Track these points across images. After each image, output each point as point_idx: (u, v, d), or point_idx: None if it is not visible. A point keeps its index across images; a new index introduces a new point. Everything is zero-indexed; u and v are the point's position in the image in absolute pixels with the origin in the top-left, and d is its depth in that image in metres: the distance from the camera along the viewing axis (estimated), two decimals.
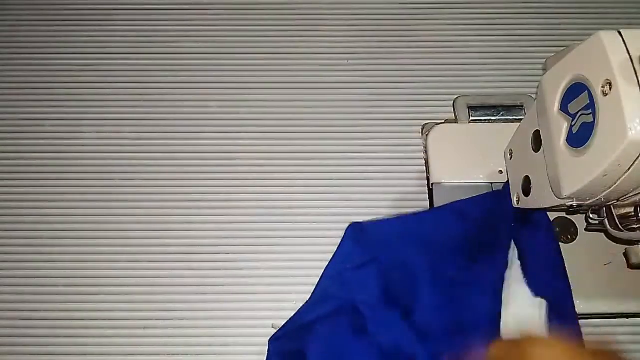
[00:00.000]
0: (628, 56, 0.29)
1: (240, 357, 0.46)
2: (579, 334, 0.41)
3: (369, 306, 0.43)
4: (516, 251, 0.45)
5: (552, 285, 0.43)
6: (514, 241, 0.45)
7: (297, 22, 0.60)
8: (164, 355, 0.46)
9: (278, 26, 0.59)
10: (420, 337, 0.42)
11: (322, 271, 0.46)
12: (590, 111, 0.30)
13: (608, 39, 0.29)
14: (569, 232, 0.47)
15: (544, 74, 0.36)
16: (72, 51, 0.58)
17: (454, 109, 0.53)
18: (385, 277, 0.45)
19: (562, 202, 0.35)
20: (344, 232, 0.47)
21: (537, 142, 0.38)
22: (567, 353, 0.28)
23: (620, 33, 0.29)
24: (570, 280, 0.45)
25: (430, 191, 0.50)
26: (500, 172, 0.49)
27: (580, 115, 0.31)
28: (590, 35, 0.30)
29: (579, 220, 0.47)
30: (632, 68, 0.28)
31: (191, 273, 0.49)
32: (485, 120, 0.52)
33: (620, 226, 0.34)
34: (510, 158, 0.44)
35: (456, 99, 0.54)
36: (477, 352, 0.33)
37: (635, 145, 0.28)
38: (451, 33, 0.59)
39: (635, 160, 0.28)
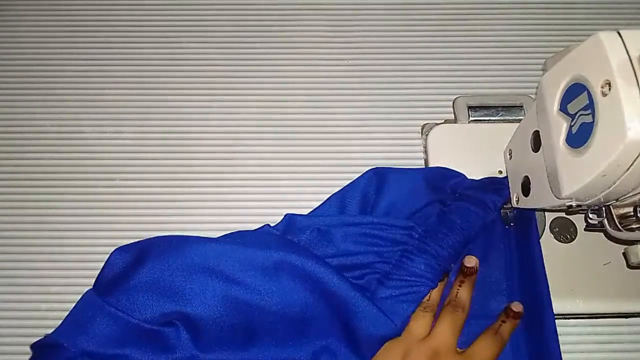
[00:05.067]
0: (627, 56, 0.28)
1: None
2: (556, 342, 0.41)
3: None
4: None
5: (533, 290, 0.44)
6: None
7: (296, 22, 0.60)
8: None
9: (277, 26, 0.59)
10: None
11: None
12: (589, 111, 0.30)
13: (607, 39, 0.29)
14: (568, 232, 0.47)
15: (543, 74, 0.36)
16: (73, 51, 0.58)
17: (454, 109, 0.53)
18: None
19: (561, 202, 0.35)
20: None
21: (536, 142, 0.38)
22: None
23: (619, 33, 0.29)
24: (569, 280, 0.45)
25: None
26: (500, 172, 0.49)
27: (580, 116, 0.31)
28: (589, 35, 0.30)
29: (578, 220, 0.47)
30: (632, 68, 0.28)
31: None
32: (484, 120, 0.52)
33: (619, 226, 0.34)
34: (510, 158, 0.44)
35: (456, 99, 0.53)
36: None
37: (635, 146, 0.28)
38: (451, 33, 0.59)
39: (635, 161, 0.28)
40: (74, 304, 0.46)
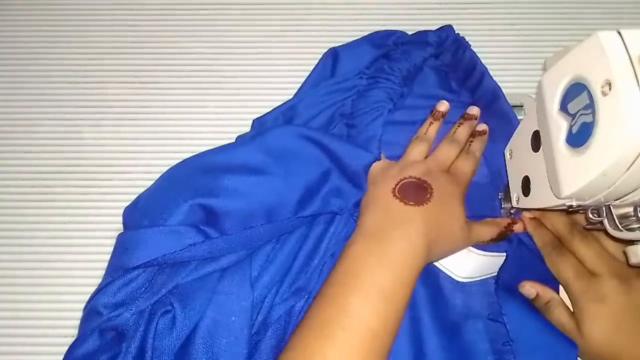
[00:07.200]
0: (627, 56, 0.28)
1: None
2: None
3: None
4: None
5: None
6: None
7: (295, 22, 0.60)
8: None
9: (279, 25, 0.60)
10: None
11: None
12: (589, 111, 0.30)
13: (607, 39, 0.29)
14: None
15: (543, 73, 0.36)
16: (71, 51, 0.58)
17: None
18: None
19: (561, 202, 0.35)
20: None
21: (536, 142, 0.38)
22: None
23: (619, 33, 0.29)
24: None
25: None
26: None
27: (580, 115, 0.31)
28: (589, 35, 0.30)
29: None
30: (632, 68, 0.28)
31: None
32: None
33: (619, 226, 0.34)
34: (510, 158, 0.44)
35: None
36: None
37: (635, 145, 0.28)
38: None
39: (635, 161, 0.28)
40: (74, 304, 0.46)
